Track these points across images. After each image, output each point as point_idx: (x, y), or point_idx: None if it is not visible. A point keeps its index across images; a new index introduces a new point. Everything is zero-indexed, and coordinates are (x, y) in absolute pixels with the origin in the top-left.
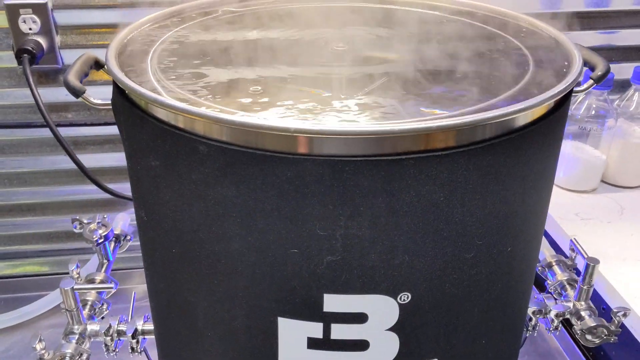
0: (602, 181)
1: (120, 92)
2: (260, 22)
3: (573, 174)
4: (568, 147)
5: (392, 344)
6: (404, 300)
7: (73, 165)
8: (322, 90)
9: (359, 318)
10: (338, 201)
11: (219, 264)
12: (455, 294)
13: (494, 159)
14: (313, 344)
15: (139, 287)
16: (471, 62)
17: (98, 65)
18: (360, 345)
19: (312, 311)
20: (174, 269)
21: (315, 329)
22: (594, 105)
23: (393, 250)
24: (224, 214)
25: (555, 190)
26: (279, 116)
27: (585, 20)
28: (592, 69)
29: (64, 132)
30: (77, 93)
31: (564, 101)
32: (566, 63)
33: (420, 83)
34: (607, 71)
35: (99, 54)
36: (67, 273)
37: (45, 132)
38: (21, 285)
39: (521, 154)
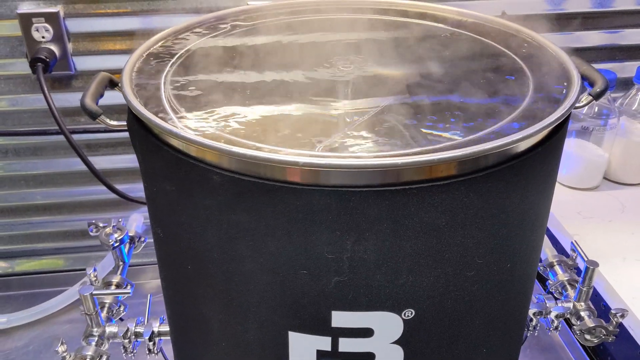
0: (605, 178)
1: (135, 118)
2: (272, 37)
3: (576, 171)
4: (571, 146)
5: (397, 355)
6: (407, 316)
7: (84, 167)
8: (329, 115)
9: (365, 333)
10: (345, 228)
11: (232, 282)
12: (457, 308)
13: (493, 185)
14: (322, 356)
15: (152, 282)
16: (472, 83)
17: (112, 84)
18: (367, 357)
19: (320, 326)
20: (189, 283)
21: (324, 343)
22: (597, 105)
23: (397, 271)
24: (237, 237)
25: (558, 188)
26: (288, 146)
27: (589, 20)
28: (592, 84)
29: (77, 135)
30: (93, 115)
31: (562, 124)
32: (565, 84)
33: (422, 107)
34: (606, 88)
35: (111, 61)
36: (83, 269)
37: (60, 136)
38: (39, 282)
39: (520, 178)
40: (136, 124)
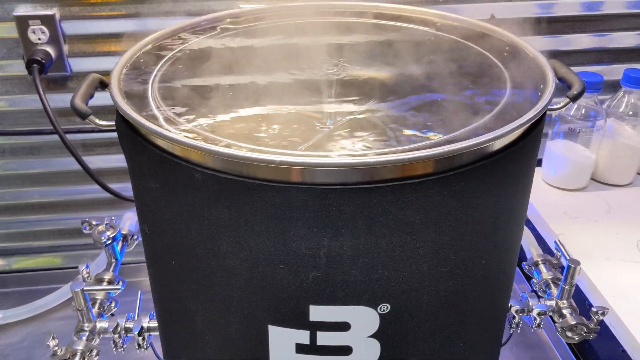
0: (592, 179)
1: (122, 118)
2: (258, 40)
3: (563, 172)
4: (559, 147)
5: (374, 349)
6: (383, 310)
7: (79, 167)
8: (312, 115)
9: (342, 326)
10: (321, 224)
11: (214, 277)
12: (432, 303)
13: (466, 184)
14: (301, 349)
15: (146, 280)
16: (452, 84)
17: (103, 85)
18: (344, 350)
19: (299, 320)
20: (174, 278)
21: (303, 336)
22: (584, 107)
23: (373, 266)
24: (218, 234)
25: (545, 189)
26: (271, 146)
27: (578, 23)
28: (570, 87)
29: (72, 135)
30: (83, 115)
31: (536, 124)
32: (541, 86)
33: (403, 108)
34: (583, 90)
35: (105, 62)
36: (77, 267)
37: (55, 136)
38: (35, 279)
39: (494, 178)
40: (123, 124)
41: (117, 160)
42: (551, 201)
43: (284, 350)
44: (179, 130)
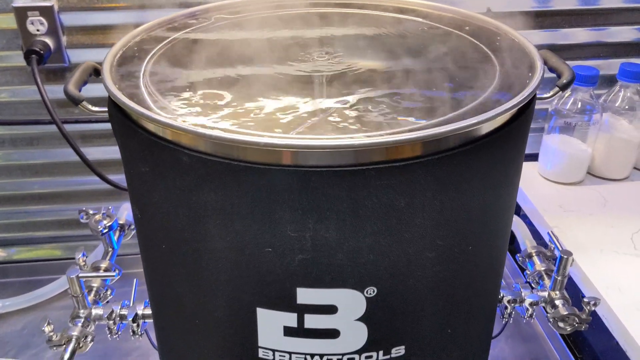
0: (589, 173)
1: (113, 103)
2: (249, 30)
3: (559, 166)
4: (555, 141)
5: (361, 332)
6: (370, 294)
7: (79, 158)
8: (302, 98)
9: (330, 309)
10: (306, 207)
11: (202, 260)
12: (419, 288)
13: (451, 168)
14: (289, 332)
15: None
16: (442, 71)
17: (97, 72)
18: (332, 333)
19: (286, 303)
20: (164, 262)
21: (290, 319)
22: (580, 101)
23: (358, 250)
24: (205, 217)
25: (542, 182)
26: (259, 130)
27: (575, 17)
28: (560, 76)
29: (72, 126)
30: (75, 101)
31: (523, 110)
32: (530, 74)
33: (388, 96)
34: (572, 79)
35: (103, 54)
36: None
37: (55, 127)
38: (34, 269)
39: (481, 162)
40: (114, 109)
41: (115, 151)
42: (547, 195)
43: (272, 333)
44: (168, 114)
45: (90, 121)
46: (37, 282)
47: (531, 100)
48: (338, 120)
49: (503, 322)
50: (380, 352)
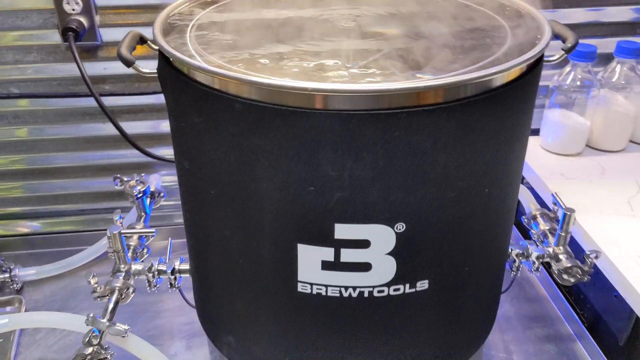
0: (587, 146)
1: (166, 62)
2: (281, 2)
3: (560, 138)
4: (556, 115)
5: (391, 266)
6: (399, 229)
7: (108, 132)
8: (334, 58)
9: (363, 244)
10: (345, 147)
11: (250, 202)
12: (441, 226)
13: (471, 114)
14: (326, 266)
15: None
16: (460, 37)
17: (142, 40)
18: (365, 266)
19: (325, 238)
20: (212, 208)
21: (328, 253)
22: (579, 77)
23: (389, 188)
24: (255, 160)
25: (543, 154)
26: (299, 78)
27: None
28: (564, 41)
29: (104, 98)
30: (128, 63)
31: (534, 66)
32: (539, 36)
33: (414, 54)
34: (576, 43)
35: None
36: (103, 230)
37: (85, 102)
38: (63, 241)
39: (495, 111)
40: (167, 67)
41: (143, 126)
42: (549, 165)
43: (311, 268)
44: (218, 66)
45: (123, 94)
46: (64, 253)
47: (541, 58)
48: (369, 70)
49: (512, 276)
50: (407, 285)
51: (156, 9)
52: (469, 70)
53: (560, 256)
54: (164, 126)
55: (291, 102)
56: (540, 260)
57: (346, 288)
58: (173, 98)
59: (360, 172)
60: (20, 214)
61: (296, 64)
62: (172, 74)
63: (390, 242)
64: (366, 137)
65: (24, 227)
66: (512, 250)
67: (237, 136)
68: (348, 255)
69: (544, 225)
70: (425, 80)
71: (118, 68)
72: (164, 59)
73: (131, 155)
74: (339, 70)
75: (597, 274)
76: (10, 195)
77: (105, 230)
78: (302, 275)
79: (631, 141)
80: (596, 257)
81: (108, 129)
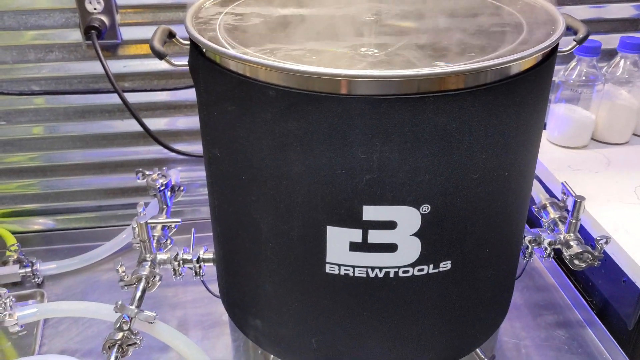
0: (592, 139)
1: (199, 53)
2: None
3: (566, 132)
4: (562, 109)
5: (416, 246)
6: (425, 211)
7: (124, 129)
8: (362, 47)
9: (390, 225)
10: (375, 131)
11: (281, 185)
12: (464, 207)
13: (493, 98)
14: (354, 247)
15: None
16: (479, 29)
17: (171, 35)
18: (391, 247)
19: (353, 220)
20: (243, 193)
21: (356, 235)
22: (585, 71)
23: (416, 170)
24: (287, 144)
25: (550, 147)
26: (329, 65)
27: None
28: (576, 32)
29: (113, 100)
30: (161, 56)
31: (549, 55)
32: (553, 27)
33: (438, 44)
34: (588, 34)
35: (152, 32)
36: (120, 226)
37: (104, 100)
38: (80, 237)
39: (515, 96)
40: (200, 58)
41: (161, 123)
42: (556, 157)
43: (339, 249)
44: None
45: (145, 90)
46: (81, 249)
47: (556, 47)
48: (399, 59)
49: (524, 262)
50: (431, 266)
51: (174, 8)
52: (489, 57)
53: (571, 242)
54: (180, 123)
55: (323, 88)
56: (552, 246)
57: (372, 269)
58: (205, 88)
59: (389, 154)
60: (37, 210)
61: (324, 52)
62: (205, 64)
63: (416, 223)
64: (395, 121)
65: (41, 224)
66: (525, 236)
67: (270, 122)
68: (375, 236)
69: (554, 214)
70: (451, 66)
71: (137, 65)
72: (196, 50)
73: (146, 152)
74: (366, 58)
75: (605, 261)
76: (28, 192)
77: (122, 226)
78: (330, 256)
79: (635, 134)
80: (606, 243)
81: (124, 125)
